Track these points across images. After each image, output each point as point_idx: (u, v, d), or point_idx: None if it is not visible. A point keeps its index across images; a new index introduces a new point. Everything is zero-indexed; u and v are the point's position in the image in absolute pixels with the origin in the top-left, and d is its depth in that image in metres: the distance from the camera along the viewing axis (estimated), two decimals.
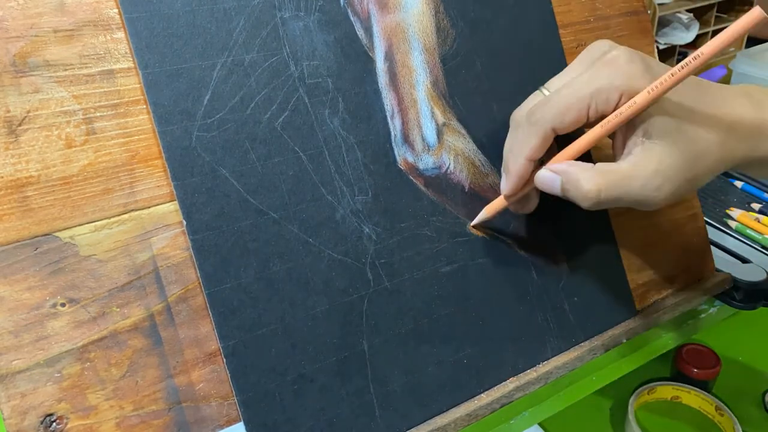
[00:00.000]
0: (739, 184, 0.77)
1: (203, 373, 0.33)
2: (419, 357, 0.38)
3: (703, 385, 0.63)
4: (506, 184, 0.38)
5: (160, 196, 0.33)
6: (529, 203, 0.40)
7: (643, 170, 0.34)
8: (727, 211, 0.70)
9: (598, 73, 0.35)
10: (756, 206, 0.71)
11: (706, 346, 0.66)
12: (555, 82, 0.38)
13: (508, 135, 0.38)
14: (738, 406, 0.61)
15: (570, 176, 0.35)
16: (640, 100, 0.33)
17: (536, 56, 0.45)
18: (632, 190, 0.34)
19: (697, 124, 0.34)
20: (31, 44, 0.30)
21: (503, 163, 0.38)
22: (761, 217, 0.68)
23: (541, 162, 0.37)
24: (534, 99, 0.38)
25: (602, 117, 0.35)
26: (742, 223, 0.67)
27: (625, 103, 0.34)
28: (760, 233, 0.65)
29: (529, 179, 0.38)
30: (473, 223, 0.41)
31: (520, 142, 0.37)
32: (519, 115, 0.38)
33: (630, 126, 0.35)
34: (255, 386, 0.34)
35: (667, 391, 0.64)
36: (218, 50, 0.34)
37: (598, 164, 0.35)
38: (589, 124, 0.36)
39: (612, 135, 0.37)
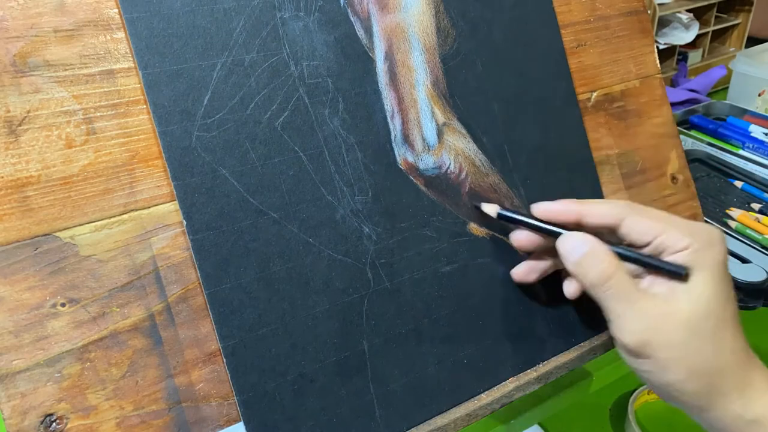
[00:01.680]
0: (739, 184, 0.77)
1: (203, 373, 0.33)
2: (419, 357, 0.38)
3: None
4: (544, 206, 0.39)
5: (160, 196, 0.33)
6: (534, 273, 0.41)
7: (652, 305, 0.35)
8: (727, 211, 0.70)
9: (690, 228, 0.36)
10: (756, 206, 0.71)
11: None
12: None
13: None
14: None
15: (598, 252, 0.36)
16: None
17: (537, 56, 0.45)
18: (629, 305, 0.35)
19: (715, 335, 0.35)
20: (31, 44, 0.30)
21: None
22: (761, 217, 0.68)
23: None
24: None
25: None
26: (742, 223, 0.67)
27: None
28: (760, 233, 0.65)
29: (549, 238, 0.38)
30: (483, 207, 0.41)
31: (592, 201, 0.38)
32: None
33: (674, 280, 0.36)
34: (255, 386, 0.34)
35: None
36: (218, 50, 0.34)
37: (625, 266, 0.36)
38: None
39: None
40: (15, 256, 0.30)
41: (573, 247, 0.36)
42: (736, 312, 0.36)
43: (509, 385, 0.41)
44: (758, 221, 0.67)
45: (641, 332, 0.34)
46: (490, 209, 0.40)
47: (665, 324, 0.34)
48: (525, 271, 0.41)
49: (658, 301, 0.35)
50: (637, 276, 0.37)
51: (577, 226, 0.38)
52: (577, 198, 0.45)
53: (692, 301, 0.34)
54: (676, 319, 0.34)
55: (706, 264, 0.35)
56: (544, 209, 0.39)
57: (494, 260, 0.42)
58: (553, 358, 0.43)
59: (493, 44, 0.43)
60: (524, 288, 0.43)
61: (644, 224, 0.36)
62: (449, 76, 0.41)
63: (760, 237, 0.64)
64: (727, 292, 0.35)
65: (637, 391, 0.62)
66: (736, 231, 0.66)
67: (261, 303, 0.34)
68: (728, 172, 0.79)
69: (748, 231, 0.65)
